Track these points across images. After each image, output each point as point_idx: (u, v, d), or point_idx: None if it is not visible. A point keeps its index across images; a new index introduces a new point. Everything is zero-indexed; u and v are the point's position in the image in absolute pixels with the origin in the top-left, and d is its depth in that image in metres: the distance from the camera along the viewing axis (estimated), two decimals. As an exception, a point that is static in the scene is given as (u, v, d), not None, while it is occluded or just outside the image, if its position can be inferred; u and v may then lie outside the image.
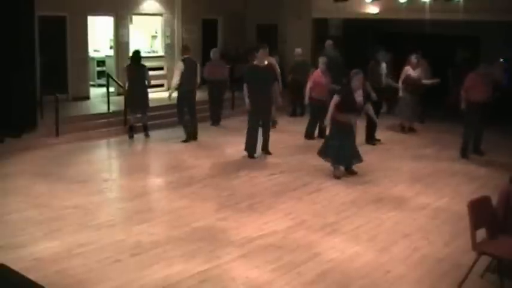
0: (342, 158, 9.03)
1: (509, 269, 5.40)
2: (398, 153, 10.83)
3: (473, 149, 10.67)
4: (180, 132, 11.62)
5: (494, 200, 5.55)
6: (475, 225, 5.18)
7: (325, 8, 15.25)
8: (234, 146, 11.05)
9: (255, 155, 10.19)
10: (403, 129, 12.64)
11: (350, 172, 9.19)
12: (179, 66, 11.22)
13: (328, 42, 14.18)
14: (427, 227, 7.05)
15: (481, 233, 5.32)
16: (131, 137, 11.56)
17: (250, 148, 10.18)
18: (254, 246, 6.30)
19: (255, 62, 10.12)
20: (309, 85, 11.52)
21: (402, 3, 13.67)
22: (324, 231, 6.82)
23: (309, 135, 11.85)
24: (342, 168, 9.15)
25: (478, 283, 5.50)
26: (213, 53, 13.07)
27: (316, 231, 6.81)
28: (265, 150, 10.40)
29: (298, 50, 14.17)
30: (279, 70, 12.73)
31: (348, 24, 16.17)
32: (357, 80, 8.75)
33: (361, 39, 15.08)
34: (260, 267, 5.77)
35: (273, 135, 10.61)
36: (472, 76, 10.26)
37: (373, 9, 14.58)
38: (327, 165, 9.78)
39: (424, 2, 13.39)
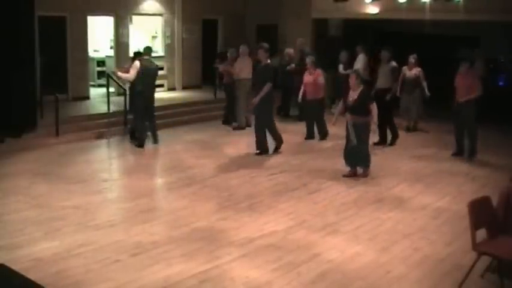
0: (345, 158, 9.16)
1: (509, 269, 5.40)
2: (399, 153, 10.82)
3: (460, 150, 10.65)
4: (178, 131, 11.64)
5: (495, 200, 5.54)
6: (475, 226, 5.18)
7: (325, 8, 15.23)
8: (234, 146, 11.06)
9: None
10: (408, 129, 12.69)
11: (350, 174, 9.13)
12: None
13: (300, 40, 14.25)
14: (427, 227, 7.05)
15: (482, 233, 5.32)
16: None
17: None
18: (254, 246, 6.29)
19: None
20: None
21: (402, 3, 13.65)
22: (324, 231, 6.81)
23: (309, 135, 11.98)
24: (348, 168, 9.15)
25: (479, 283, 5.49)
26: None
27: (316, 231, 6.80)
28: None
29: (290, 51, 14.12)
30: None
31: (348, 24, 16.16)
32: (350, 79, 8.96)
33: (361, 39, 15.06)
34: (260, 267, 5.76)
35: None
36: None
37: (373, 9, 14.56)
38: (327, 165, 9.81)
39: (424, 2, 13.37)
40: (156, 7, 15.53)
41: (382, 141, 11.26)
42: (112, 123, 11.95)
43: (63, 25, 13.49)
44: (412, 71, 12.30)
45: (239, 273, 5.62)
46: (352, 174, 9.07)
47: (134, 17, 15.17)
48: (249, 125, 12.57)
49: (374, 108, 8.80)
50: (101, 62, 15.66)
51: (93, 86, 15.08)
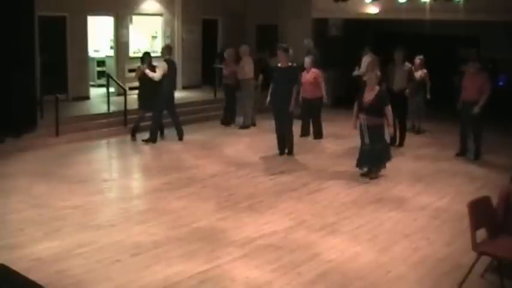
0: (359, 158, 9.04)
1: (509, 269, 5.40)
2: (399, 153, 10.80)
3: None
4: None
5: (495, 200, 5.55)
6: (475, 226, 5.18)
7: (325, 8, 15.24)
8: (234, 146, 11.06)
9: None
10: (413, 129, 12.53)
11: (364, 174, 9.08)
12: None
13: (309, 40, 14.34)
14: (427, 227, 7.05)
15: (482, 233, 5.32)
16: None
17: None
18: (254, 246, 6.30)
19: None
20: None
21: (402, 3, 13.65)
22: (324, 231, 6.81)
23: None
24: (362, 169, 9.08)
25: (478, 283, 5.50)
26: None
27: (316, 231, 6.80)
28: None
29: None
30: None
31: (348, 24, 16.17)
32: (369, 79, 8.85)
33: (361, 39, 15.06)
34: (260, 267, 5.77)
35: (273, 136, 10.58)
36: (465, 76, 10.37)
37: (373, 9, 14.57)
38: (327, 165, 9.81)
39: (424, 2, 13.37)
40: (156, 7, 15.53)
41: (401, 142, 11.23)
42: (112, 123, 11.96)
43: (63, 25, 13.49)
44: (417, 73, 12.04)
45: (239, 273, 5.62)
46: (368, 173, 9.02)
47: (134, 17, 15.16)
48: (254, 124, 12.83)
49: (389, 111, 8.65)
50: (101, 62, 15.66)
51: (93, 86, 15.08)
